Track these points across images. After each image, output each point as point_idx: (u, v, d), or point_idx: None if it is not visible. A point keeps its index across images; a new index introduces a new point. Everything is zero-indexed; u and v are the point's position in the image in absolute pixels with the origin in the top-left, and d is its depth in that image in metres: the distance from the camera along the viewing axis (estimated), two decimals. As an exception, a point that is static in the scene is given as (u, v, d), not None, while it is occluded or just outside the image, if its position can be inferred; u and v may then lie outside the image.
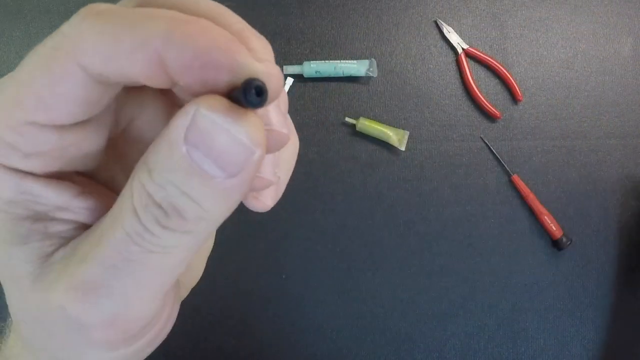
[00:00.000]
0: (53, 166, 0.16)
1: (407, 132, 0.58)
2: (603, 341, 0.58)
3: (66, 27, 0.14)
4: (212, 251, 0.25)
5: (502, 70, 0.60)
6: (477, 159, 0.60)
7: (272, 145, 0.17)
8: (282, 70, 0.59)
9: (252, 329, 0.57)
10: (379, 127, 0.58)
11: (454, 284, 0.58)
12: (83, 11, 0.14)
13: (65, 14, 0.61)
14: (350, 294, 0.58)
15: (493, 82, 0.61)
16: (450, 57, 0.61)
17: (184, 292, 0.23)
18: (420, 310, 0.58)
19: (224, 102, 0.13)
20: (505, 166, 0.59)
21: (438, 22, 0.61)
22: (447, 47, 0.61)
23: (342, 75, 0.59)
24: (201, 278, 0.24)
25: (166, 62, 0.13)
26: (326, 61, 0.58)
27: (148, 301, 0.16)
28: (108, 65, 0.14)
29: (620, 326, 0.57)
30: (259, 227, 0.57)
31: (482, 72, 0.61)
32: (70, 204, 0.16)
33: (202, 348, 0.57)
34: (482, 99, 0.59)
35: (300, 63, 0.59)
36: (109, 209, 0.15)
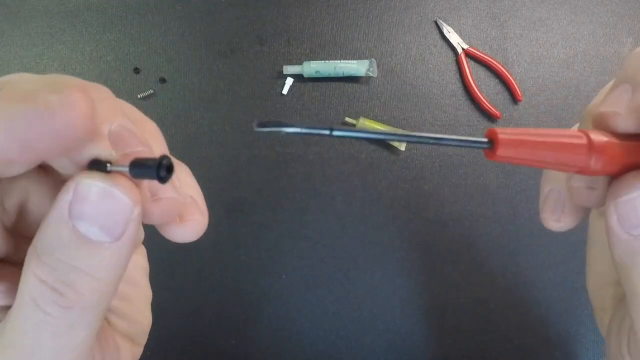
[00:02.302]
0: None
1: (407, 132, 0.58)
2: (604, 343, 0.58)
3: None
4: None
5: (502, 70, 0.60)
6: (477, 159, 0.60)
7: (168, 211, 0.17)
8: (283, 70, 0.59)
9: (252, 329, 0.57)
10: (379, 127, 0.58)
11: (454, 284, 0.58)
12: None
13: (65, 15, 0.61)
14: (350, 294, 0.58)
15: (493, 82, 0.61)
16: (450, 57, 0.61)
17: (138, 350, 0.23)
18: (420, 310, 0.58)
19: (100, 173, 0.14)
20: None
21: (438, 22, 0.61)
22: (447, 47, 0.61)
23: (342, 75, 0.59)
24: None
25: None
26: (326, 61, 0.58)
27: None
28: None
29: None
30: (259, 227, 0.57)
31: (482, 72, 0.61)
32: None
33: (202, 348, 0.57)
34: (482, 99, 0.59)
35: (300, 63, 0.59)
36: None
